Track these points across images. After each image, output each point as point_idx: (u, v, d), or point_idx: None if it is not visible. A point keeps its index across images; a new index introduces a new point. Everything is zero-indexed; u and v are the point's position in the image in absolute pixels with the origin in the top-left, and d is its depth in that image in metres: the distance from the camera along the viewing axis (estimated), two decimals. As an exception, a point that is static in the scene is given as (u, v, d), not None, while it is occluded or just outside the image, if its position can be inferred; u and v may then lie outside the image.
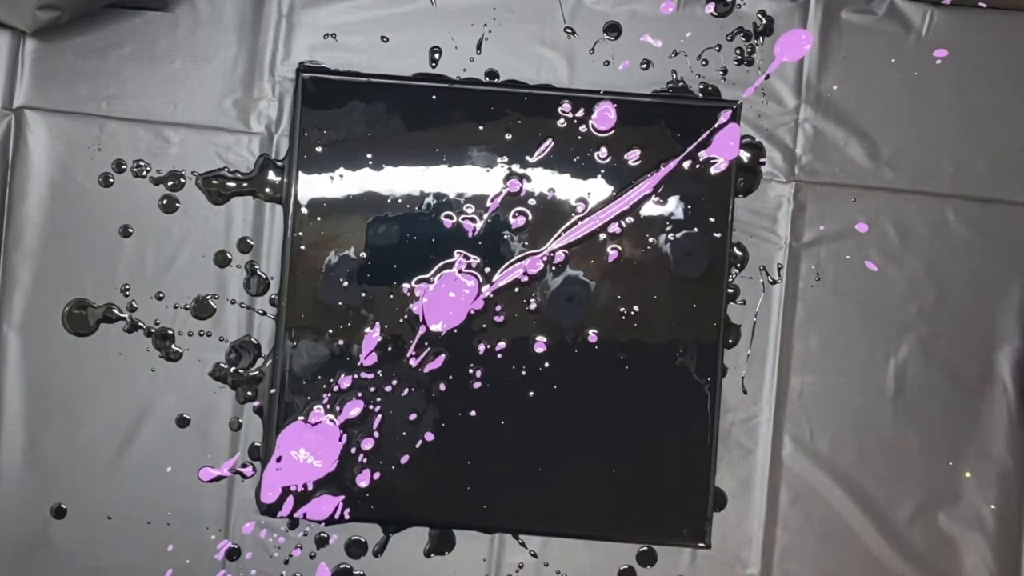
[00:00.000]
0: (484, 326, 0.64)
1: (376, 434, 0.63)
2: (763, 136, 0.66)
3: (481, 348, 0.63)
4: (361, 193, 0.63)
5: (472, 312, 0.63)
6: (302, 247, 0.63)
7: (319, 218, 0.63)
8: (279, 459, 0.63)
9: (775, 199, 0.66)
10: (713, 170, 0.64)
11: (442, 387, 0.64)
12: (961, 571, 0.66)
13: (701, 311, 0.64)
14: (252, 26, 0.65)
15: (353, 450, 0.63)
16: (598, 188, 0.64)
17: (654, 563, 0.66)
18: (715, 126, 0.64)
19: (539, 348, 0.64)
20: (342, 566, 0.65)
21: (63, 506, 0.65)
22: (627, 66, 0.66)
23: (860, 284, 0.66)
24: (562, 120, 0.64)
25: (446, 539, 0.66)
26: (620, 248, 0.64)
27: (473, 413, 0.64)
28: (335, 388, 0.63)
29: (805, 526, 0.66)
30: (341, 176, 0.63)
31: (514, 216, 0.64)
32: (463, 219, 0.64)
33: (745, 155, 0.66)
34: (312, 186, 0.63)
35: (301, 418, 0.63)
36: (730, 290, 0.66)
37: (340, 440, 0.63)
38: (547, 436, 0.64)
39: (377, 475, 0.63)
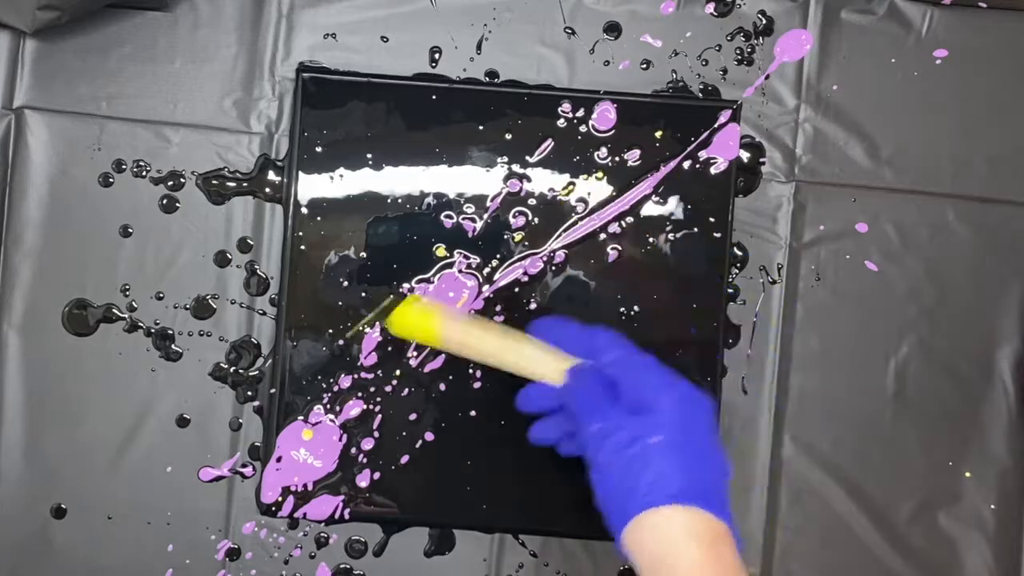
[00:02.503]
0: (484, 326, 0.64)
1: (376, 434, 0.63)
2: (763, 136, 0.66)
3: (481, 348, 0.63)
4: (361, 193, 0.63)
5: (472, 312, 0.63)
6: (302, 247, 0.63)
7: (319, 218, 0.63)
8: (279, 459, 0.63)
9: (775, 199, 0.66)
10: (713, 170, 0.64)
11: (442, 387, 0.64)
12: (961, 571, 0.66)
13: (701, 311, 0.64)
14: (252, 26, 0.65)
15: (353, 450, 0.63)
16: (598, 188, 0.64)
17: (654, 563, 0.66)
18: (715, 126, 0.64)
19: (539, 348, 0.64)
20: (342, 566, 0.65)
21: (63, 506, 0.65)
22: (627, 66, 0.66)
23: (860, 284, 0.66)
24: (562, 120, 0.64)
25: (446, 539, 0.66)
26: (620, 248, 0.64)
27: (473, 413, 0.64)
28: (335, 388, 0.63)
29: (805, 526, 0.66)
30: (341, 176, 0.63)
31: (514, 216, 0.64)
32: (463, 219, 0.64)
33: (745, 155, 0.66)
34: (312, 186, 0.63)
35: (301, 418, 0.63)
36: (730, 290, 0.66)
37: (340, 440, 0.63)
38: (547, 436, 0.64)
39: (377, 475, 0.63)
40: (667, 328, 0.64)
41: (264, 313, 0.65)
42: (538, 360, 0.55)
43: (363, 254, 0.63)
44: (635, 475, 0.47)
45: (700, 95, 0.66)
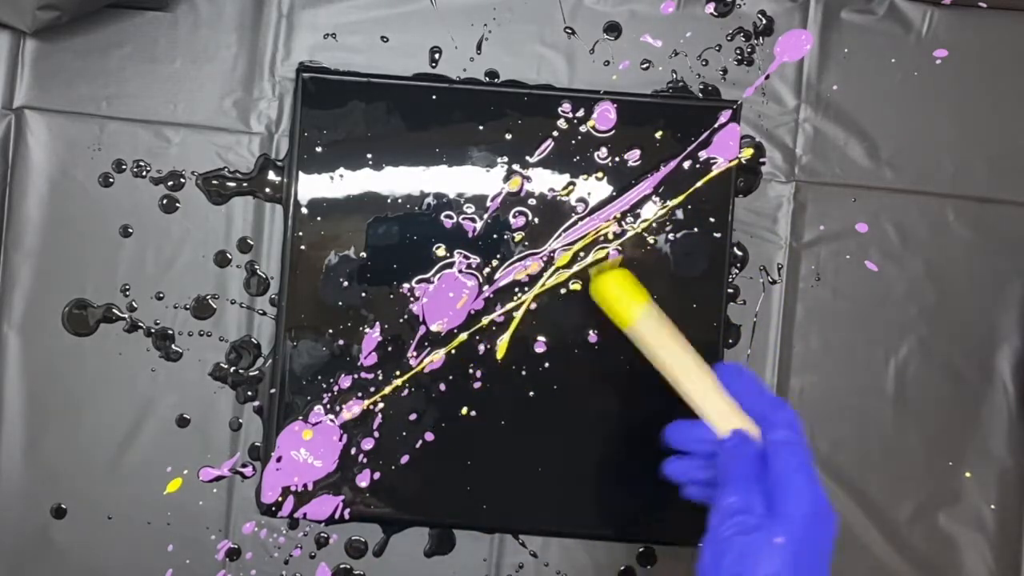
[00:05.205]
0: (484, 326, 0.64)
1: (376, 434, 0.63)
2: (763, 136, 0.66)
3: (481, 348, 0.63)
4: (361, 193, 0.63)
5: (472, 312, 0.63)
6: (302, 247, 0.63)
7: (319, 218, 0.63)
8: (279, 459, 0.63)
9: (775, 199, 0.66)
10: (713, 170, 0.64)
11: (442, 387, 0.64)
12: (961, 571, 0.66)
13: (701, 311, 0.64)
14: (252, 26, 0.65)
15: (353, 450, 0.63)
16: (598, 188, 0.64)
17: (654, 563, 0.66)
18: (715, 126, 0.64)
19: (539, 348, 0.64)
20: (342, 566, 0.65)
21: (63, 506, 0.65)
22: (627, 66, 0.66)
23: (860, 284, 0.66)
24: (562, 120, 0.64)
25: (446, 539, 0.66)
26: (620, 248, 0.64)
27: (473, 413, 0.64)
28: (335, 388, 0.63)
29: (805, 526, 0.66)
30: (341, 176, 0.63)
31: (514, 216, 0.64)
32: (463, 219, 0.64)
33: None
34: (312, 186, 0.63)
35: (301, 418, 0.63)
36: (730, 290, 0.66)
37: (340, 440, 0.63)
38: (547, 436, 0.64)
39: (377, 475, 0.63)
40: (667, 328, 0.64)
41: (264, 313, 0.65)
42: (715, 403, 0.54)
43: (363, 254, 0.63)
44: (749, 566, 0.47)
45: (700, 95, 0.66)
